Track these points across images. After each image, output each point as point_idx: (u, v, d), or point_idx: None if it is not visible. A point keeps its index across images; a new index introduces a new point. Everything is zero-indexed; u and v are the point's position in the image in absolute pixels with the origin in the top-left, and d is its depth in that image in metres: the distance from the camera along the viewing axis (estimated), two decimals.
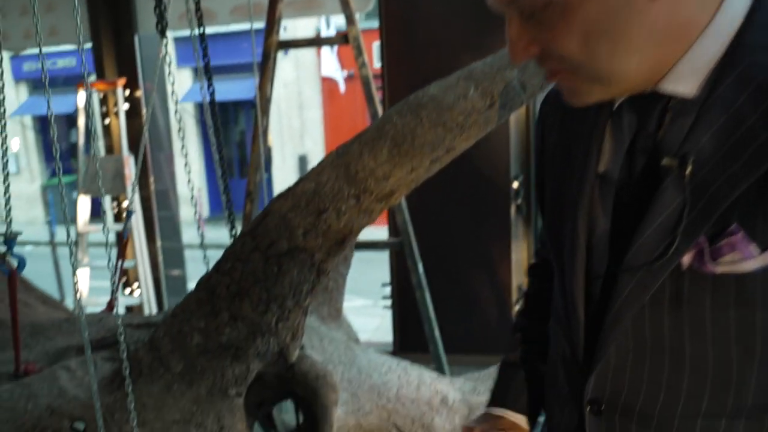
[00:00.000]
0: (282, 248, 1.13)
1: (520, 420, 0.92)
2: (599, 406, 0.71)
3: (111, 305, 1.82)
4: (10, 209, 1.30)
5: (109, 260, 1.95)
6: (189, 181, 1.89)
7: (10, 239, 1.22)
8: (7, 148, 1.20)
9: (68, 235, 1.13)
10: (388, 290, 4.06)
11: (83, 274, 4.02)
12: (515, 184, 3.55)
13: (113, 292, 1.82)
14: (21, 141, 12.46)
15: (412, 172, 1.09)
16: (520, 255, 3.84)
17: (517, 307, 3.72)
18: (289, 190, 1.14)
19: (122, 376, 1.16)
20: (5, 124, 1.19)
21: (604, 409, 0.71)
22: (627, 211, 0.66)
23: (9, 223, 1.22)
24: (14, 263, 1.26)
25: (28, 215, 11.25)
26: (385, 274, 4.18)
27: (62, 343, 1.47)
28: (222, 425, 1.19)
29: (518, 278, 3.72)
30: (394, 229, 3.41)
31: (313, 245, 1.13)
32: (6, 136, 1.19)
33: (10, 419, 1.13)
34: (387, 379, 1.48)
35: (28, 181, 12.45)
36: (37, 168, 12.94)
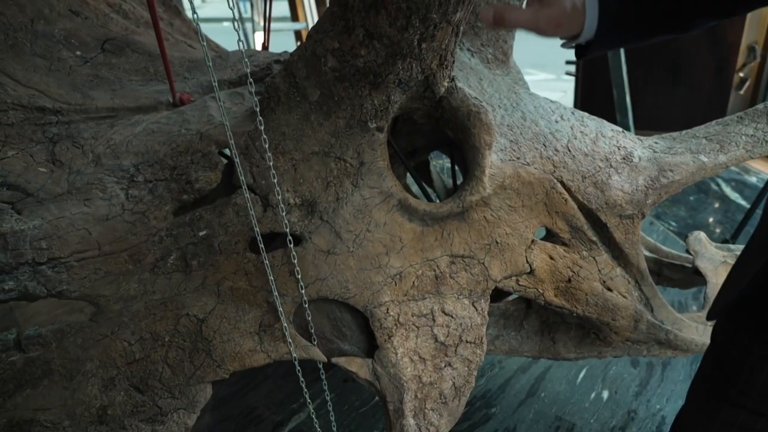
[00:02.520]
0: None
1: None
2: None
3: (265, 45, 1.75)
4: None
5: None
6: None
7: None
8: None
9: None
10: (572, 53, 3.48)
11: (260, 38, 4.12)
12: None
13: (266, 31, 1.74)
14: None
15: None
16: (762, 9, 2.91)
17: (741, 75, 2.97)
18: None
19: (265, 105, 1.09)
20: None
21: None
22: None
23: None
24: None
25: None
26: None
27: (215, 77, 1.45)
28: (362, 160, 1.09)
29: (751, 37, 2.87)
30: None
31: None
32: None
33: (166, 141, 1.15)
34: (557, 128, 1.23)
35: None
36: None
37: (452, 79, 1.08)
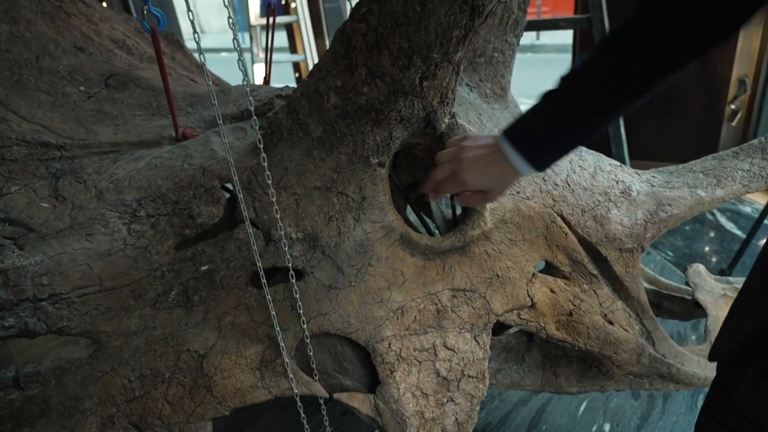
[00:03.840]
0: None
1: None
2: None
3: (266, 79, 1.78)
4: None
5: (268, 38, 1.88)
6: None
7: None
8: None
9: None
10: None
11: (259, 69, 4.18)
12: None
13: (267, 65, 1.76)
14: None
15: None
16: (751, 43, 2.99)
17: (732, 107, 3.03)
18: None
19: (267, 140, 1.10)
20: None
21: None
22: None
23: None
24: (155, 19, 1.20)
25: (221, 23, 12.02)
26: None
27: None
28: (364, 195, 1.11)
29: (741, 70, 2.94)
30: (582, 4, 2.78)
31: None
32: None
33: (169, 176, 1.16)
34: None
35: None
36: None
37: (453, 116, 1.10)
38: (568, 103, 0.83)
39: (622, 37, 0.77)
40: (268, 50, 1.71)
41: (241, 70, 0.94)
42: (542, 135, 0.87)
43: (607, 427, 1.78)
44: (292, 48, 4.34)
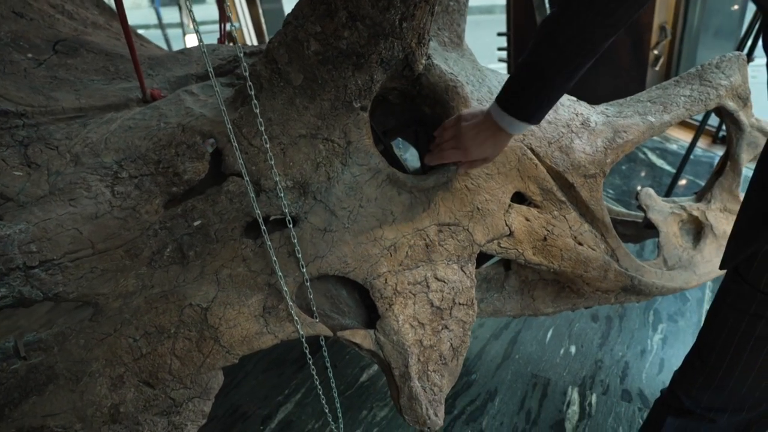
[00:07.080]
0: None
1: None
2: None
3: (222, 40, 1.75)
4: None
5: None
6: None
7: None
8: None
9: None
10: (504, 41, 3.68)
11: (190, 40, 4.03)
12: None
13: (221, 24, 1.73)
14: None
15: None
16: None
17: (655, 52, 3.25)
18: None
19: (244, 93, 1.11)
20: None
21: None
22: None
23: None
24: None
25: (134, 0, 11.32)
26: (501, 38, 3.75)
27: (181, 72, 1.44)
28: (349, 140, 1.14)
29: (662, 17, 3.15)
30: None
31: None
32: None
33: (147, 136, 1.14)
34: None
35: None
36: None
37: (429, 57, 1.14)
38: (534, 70, 0.98)
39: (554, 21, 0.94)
40: (222, 19, 1.68)
41: (228, 15, 0.94)
42: (528, 96, 1.01)
43: (573, 349, 1.94)
44: (224, 17, 4.19)
